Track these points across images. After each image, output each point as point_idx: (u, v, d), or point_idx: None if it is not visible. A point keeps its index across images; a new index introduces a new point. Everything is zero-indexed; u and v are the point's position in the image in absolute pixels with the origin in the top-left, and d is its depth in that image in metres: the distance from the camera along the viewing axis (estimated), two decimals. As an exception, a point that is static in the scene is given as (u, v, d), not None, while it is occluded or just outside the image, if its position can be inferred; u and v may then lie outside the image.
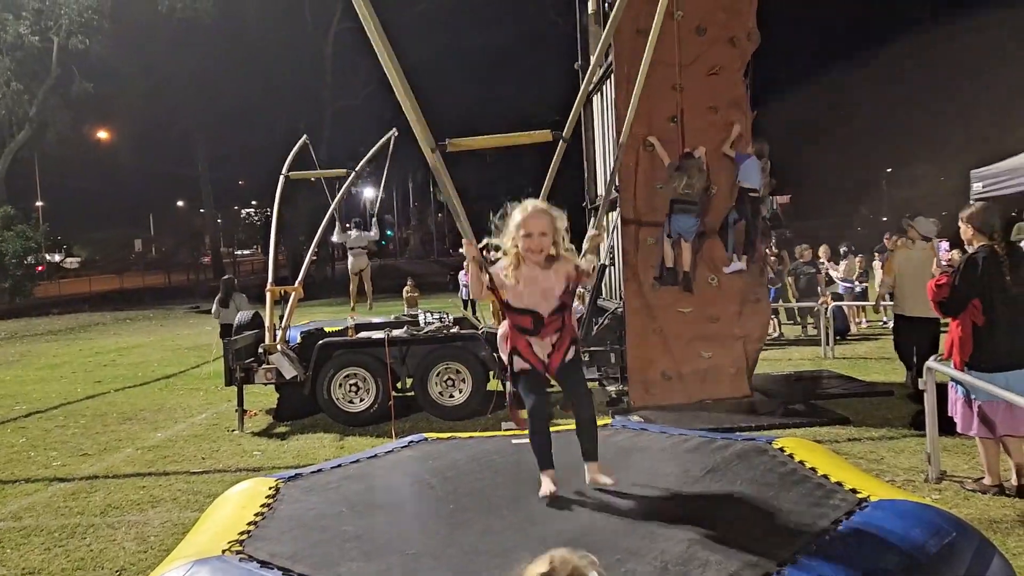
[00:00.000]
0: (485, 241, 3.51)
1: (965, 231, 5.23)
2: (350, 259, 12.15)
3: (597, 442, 3.59)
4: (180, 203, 58.16)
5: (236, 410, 8.31)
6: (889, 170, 47.46)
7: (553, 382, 3.72)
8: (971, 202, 7.43)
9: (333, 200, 10.50)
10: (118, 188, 46.69)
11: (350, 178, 10.32)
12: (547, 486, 3.42)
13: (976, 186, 10.60)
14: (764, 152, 8.05)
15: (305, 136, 10.20)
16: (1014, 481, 5.11)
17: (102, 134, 41.19)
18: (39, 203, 44.23)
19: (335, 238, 11.94)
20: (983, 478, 5.22)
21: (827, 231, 23.00)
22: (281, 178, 9.89)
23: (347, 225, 12.35)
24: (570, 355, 3.53)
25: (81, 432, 8.62)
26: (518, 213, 3.30)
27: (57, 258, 53.73)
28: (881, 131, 42.42)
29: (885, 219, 37.57)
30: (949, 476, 5.48)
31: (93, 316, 27.65)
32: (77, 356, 16.28)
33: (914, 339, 7.89)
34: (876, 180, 47.16)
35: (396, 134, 10.72)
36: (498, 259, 3.46)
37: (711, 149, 7.89)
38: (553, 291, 3.36)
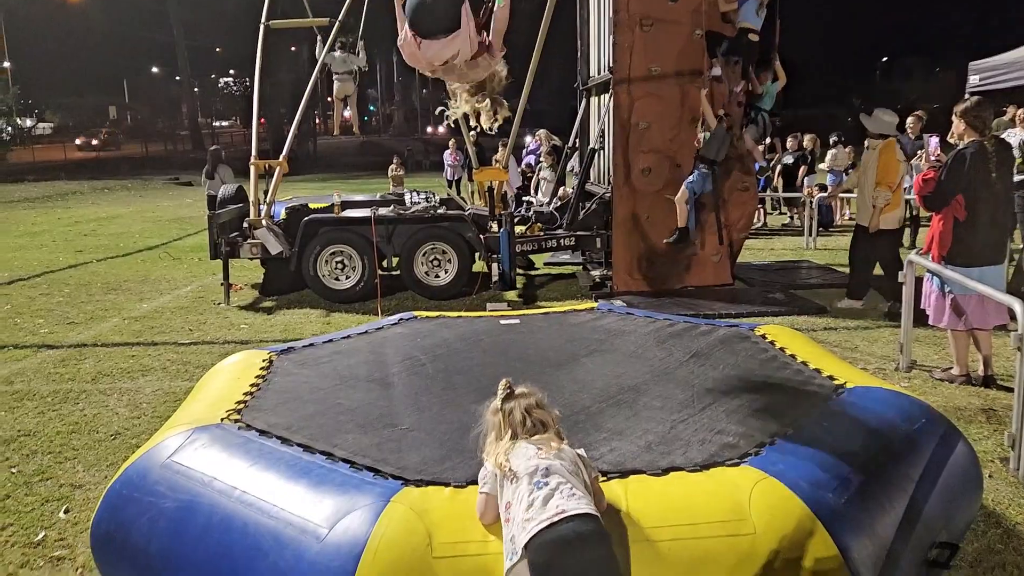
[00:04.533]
0: None
1: (957, 125, 5.20)
2: (336, 84, 11.58)
3: None
4: (155, 70, 55.99)
5: (222, 284, 8.34)
6: (884, 59, 46.50)
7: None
8: (966, 96, 7.24)
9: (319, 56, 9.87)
10: (89, 52, 44.71)
11: (335, 29, 9.62)
12: None
13: (973, 79, 10.41)
14: None
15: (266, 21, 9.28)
16: (981, 372, 5.31)
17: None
18: (7, 64, 42.39)
19: (320, 56, 10.59)
20: (951, 368, 5.42)
21: (818, 121, 22.74)
22: (261, 27, 9.20)
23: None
24: None
25: (66, 301, 8.63)
26: None
27: (28, 123, 52.06)
28: (877, 18, 41.22)
29: (876, 110, 37.08)
30: (919, 366, 5.68)
31: (70, 184, 27.11)
32: (56, 225, 16.08)
33: (872, 254, 7.26)
34: (870, 70, 46.25)
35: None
36: None
37: (707, 31, 7.65)
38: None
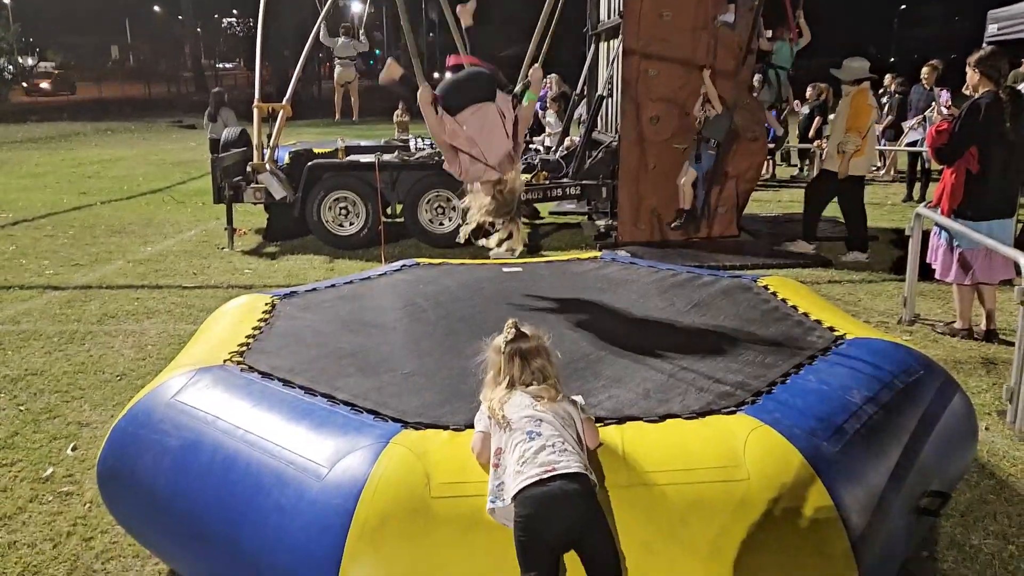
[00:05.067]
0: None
1: (972, 76, 5.11)
2: (337, 68, 11.57)
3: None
4: (157, 9, 55.02)
5: (225, 228, 8.34)
6: (903, 7, 45.39)
7: None
8: (984, 45, 7.08)
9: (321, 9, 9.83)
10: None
11: None
12: None
13: (991, 28, 10.20)
14: None
15: None
16: (983, 326, 5.32)
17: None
18: (7, 0, 41.71)
19: (323, 39, 11.05)
20: (954, 322, 5.42)
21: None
22: None
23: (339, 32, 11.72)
24: None
25: (71, 243, 8.66)
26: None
27: (30, 62, 51.45)
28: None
29: (893, 60, 36.40)
30: (922, 320, 5.69)
31: (73, 125, 26.92)
32: (60, 166, 16.02)
33: (827, 198, 7.45)
34: (887, 18, 45.20)
35: None
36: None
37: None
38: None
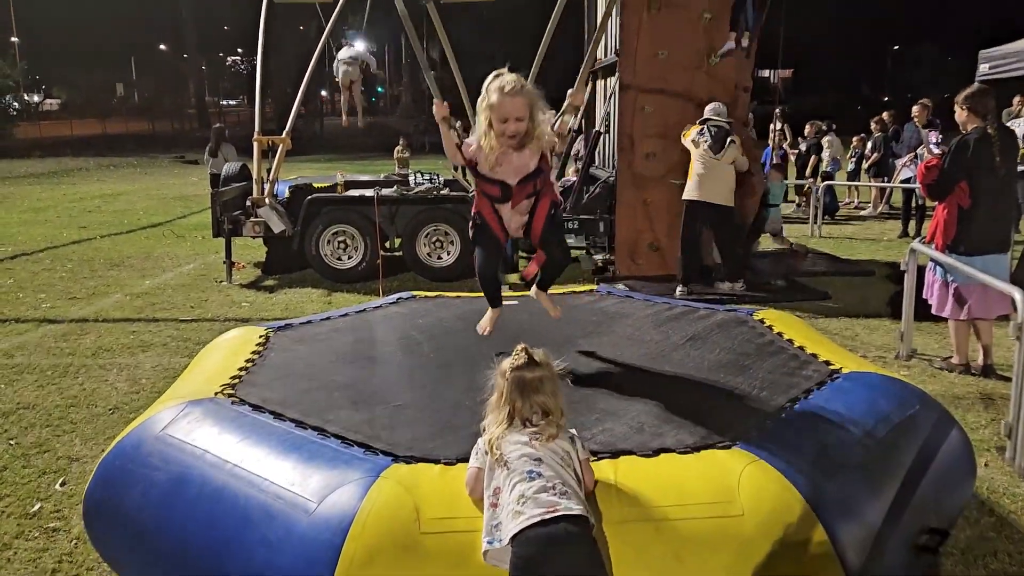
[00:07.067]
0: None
1: (959, 113, 5.18)
2: (341, 69, 11.53)
3: (553, 281, 3.74)
4: (163, 47, 55.76)
5: (224, 262, 8.35)
6: (896, 47, 46.02)
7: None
8: (976, 84, 7.15)
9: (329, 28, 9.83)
10: (98, 28, 44.47)
11: (338, 8, 9.47)
12: (490, 316, 3.65)
13: (983, 67, 10.32)
14: None
15: None
16: (980, 361, 5.29)
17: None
18: (15, 39, 42.26)
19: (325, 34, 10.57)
20: (951, 357, 5.40)
21: (827, 109, 22.60)
22: (265, 1, 9.13)
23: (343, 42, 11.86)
24: (550, 224, 3.28)
25: (69, 276, 8.66)
26: (494, 93, 2.95)
27: (36, 99, 51.99)
28: (889, 6, 40.67)
29: (887, 99, 36.80)
30: (919, 355, 5.66)
31: (76, 161, 27.13)
32: (61, 200, 16.11)
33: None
34: (881, 58, 45.82)
35: None
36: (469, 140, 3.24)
37: (715, 15, 7.58)
38: (527, 167, 3.13)
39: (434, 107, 3.28)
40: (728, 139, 7.02)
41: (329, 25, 9.66)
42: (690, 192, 7.17)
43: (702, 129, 7.15)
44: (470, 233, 3.39)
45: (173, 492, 2.54)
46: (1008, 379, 4.83)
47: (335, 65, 10.85)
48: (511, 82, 2.95)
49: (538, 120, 3.03)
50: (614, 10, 8.27)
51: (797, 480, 2.33)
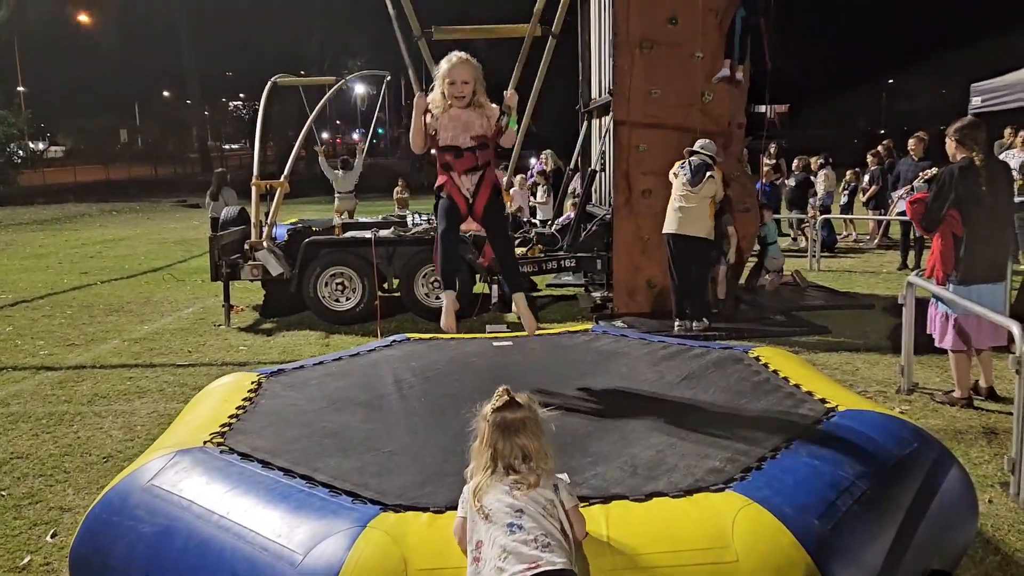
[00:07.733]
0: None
1: (949, 144, 5.23)
2: (336, 202, 12.69)
3: (519, 274, 4.12)
4: (166, 94, 56.54)
5: (222, 305, 8.35)
6: (891, 81, 46.53)
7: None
8: (968, 117, 7.19)
9: (314, 107, 10.62)
10: (103, 76, 45.15)
11: (335, 87, 10.71)
12: (448, 305, 3.85)
13: (975, 100, 10.38)
14: None
15: (275, 78, 10.23)
16: (984, 383, 5.26)
17: (84, 18, 39.68)
18: (20, 88, 42.89)
19: (324, 170, 12.64)
20: (953, 391, 5.35)
21: (822, 142, 22.76)
22: (269, 83, 10.08)
23: (333, 158, 12.93)
24: (492, 202, 3.89)
25: (68, 322, 8.66)
26: (445, 63, 3.70)
27: (41, 146, 52.56)
28: (883, 41, 41.27)
29: (883, 131, 37.08)
30: (920, 388, 5.61)
31: (79, 207, 27.31)
32: (63, 246, 16.18)
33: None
34: (876, 92, 46.31)
35: (388, 77, 12.67)
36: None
37: (707, 54, 7.68)
38: (472, 125, 3.75)
39: (415, 99, 3.82)
40: (707, 173, 7.04)
41: (314, 112, 10.59)
42: (669, 225, 7.18)
43: (683, 162, 7.19)
44: (434, 207, 3.99)
45: (159, 545, 2.50)
46: (1009, 414, 4.77)
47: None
48: (458, 54, 3.71)
49: (481, 90, 3.73)
50: (607, 50, 8.39)
51: (792, 523, 2.29)
